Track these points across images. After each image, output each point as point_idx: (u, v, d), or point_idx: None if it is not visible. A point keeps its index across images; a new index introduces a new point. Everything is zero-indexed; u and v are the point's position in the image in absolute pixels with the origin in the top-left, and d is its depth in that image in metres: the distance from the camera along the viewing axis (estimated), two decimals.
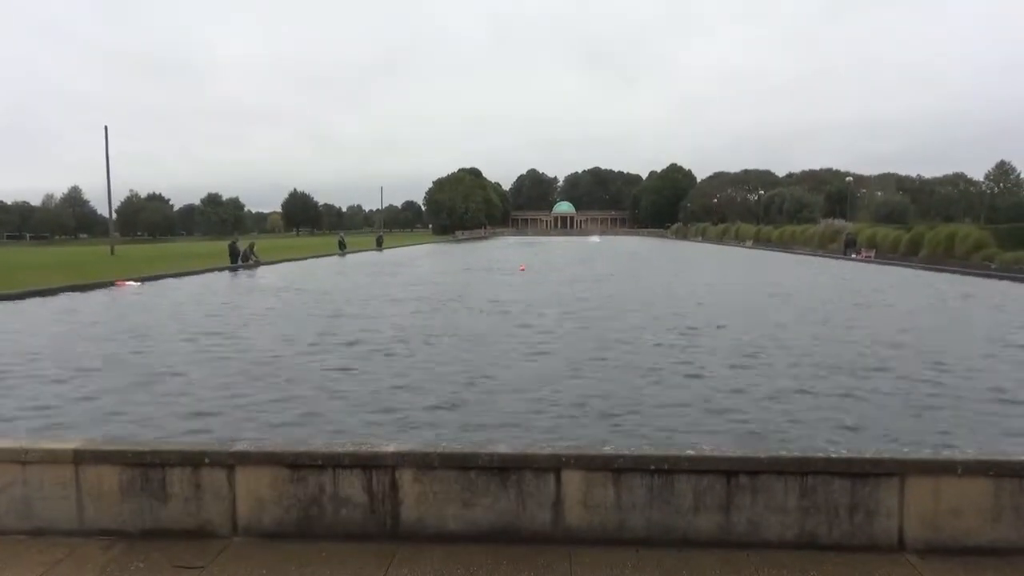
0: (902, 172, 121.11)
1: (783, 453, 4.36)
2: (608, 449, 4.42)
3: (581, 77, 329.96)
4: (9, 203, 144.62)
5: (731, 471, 4.25)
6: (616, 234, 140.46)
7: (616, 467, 4.28)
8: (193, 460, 4.38)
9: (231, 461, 4.37)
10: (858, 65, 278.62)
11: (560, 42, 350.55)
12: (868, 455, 4.31)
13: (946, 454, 4.33)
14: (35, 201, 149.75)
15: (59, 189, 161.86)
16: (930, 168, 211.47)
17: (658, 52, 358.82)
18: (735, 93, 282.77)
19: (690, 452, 4.35)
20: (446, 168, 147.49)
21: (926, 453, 4.40)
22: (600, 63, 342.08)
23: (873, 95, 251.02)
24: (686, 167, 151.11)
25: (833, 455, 4.29)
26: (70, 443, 4.53)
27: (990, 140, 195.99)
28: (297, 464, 4.36)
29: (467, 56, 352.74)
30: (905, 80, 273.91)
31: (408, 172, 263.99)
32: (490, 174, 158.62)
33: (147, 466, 4.40)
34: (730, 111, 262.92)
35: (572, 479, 4.30)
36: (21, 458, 4.41)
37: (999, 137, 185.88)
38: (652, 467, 4.26)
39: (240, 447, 4.47)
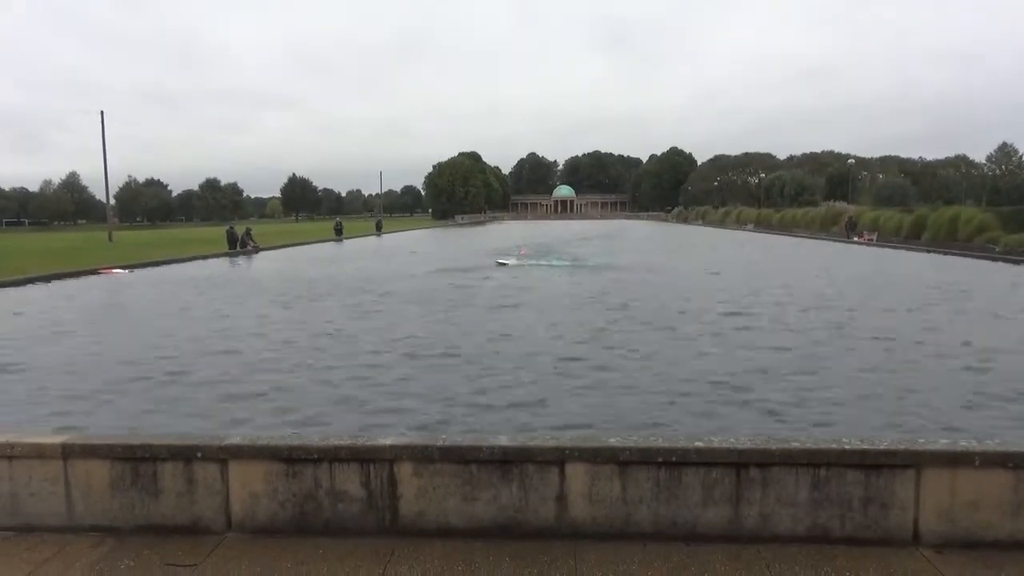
0: (904, 155, 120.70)
1: (795, 444, 4.21)
2: (613, 441, 4.27)
3: (601, 61, 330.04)
4: (7, 189, 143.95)
5: (741, 463, 4.11)
6: (615, 217, 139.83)
7: (622, 460, 4.14)
8: (185, 454, 4.24)
9: (224, 455, 4.23)
10: (866, 50, 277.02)
11: (583, 24, 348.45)
12: (883, 446, 4.16)
13: (963, 445, 4.18)
14: (33, 187, 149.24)
15: (57, 175, 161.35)
16: (932, 150, 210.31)
17: (678, 37, 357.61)
18: (748, 78, 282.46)
19: (698, 444, 4.20)
20: (449, 153, 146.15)
21: (943, 444, 4.25)
22: (622, 48, 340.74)
23: (878, 79, 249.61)
24: (695, 151, 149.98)
25: (847, 446, 4.14)
26: (58, 437, 4.39)
27: (993, 121, 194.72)
28: (292, 458, 4.22)
29: (483, 41, 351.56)
30: (908, 63, 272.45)
31: (409, 157, 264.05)
32: (494, 158, 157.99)
33: (138, 460, 4.26)
34: (742, 96, 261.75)
35: (576, 472, 4.16)
36: (7, 453, 4.28)
37: (1002, 118, 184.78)
38: (659, 459, 4.12)
39: (233, 440, 4.32)
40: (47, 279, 23.39)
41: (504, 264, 28.32)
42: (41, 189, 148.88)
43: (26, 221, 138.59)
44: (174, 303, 17.42)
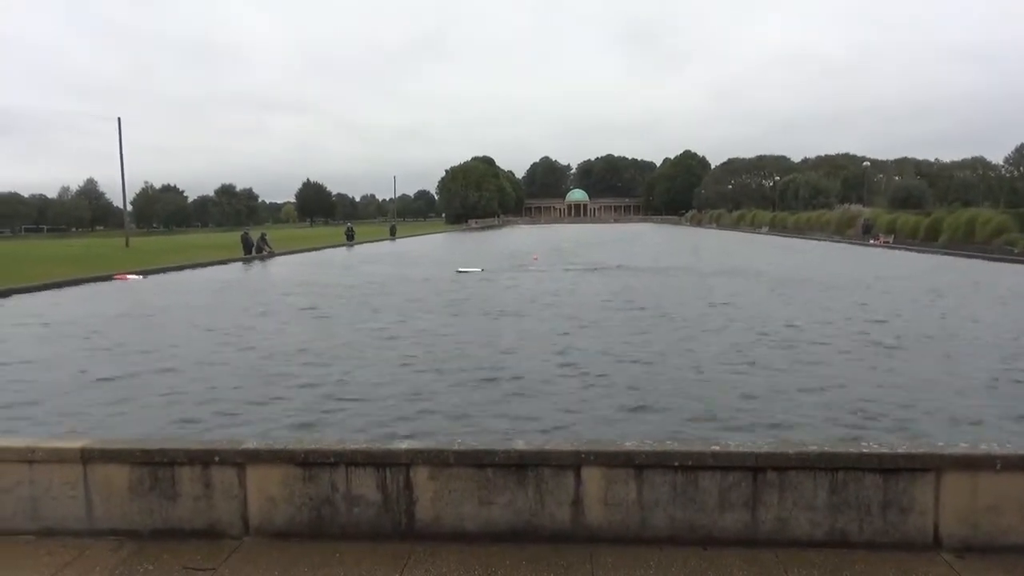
0: (919, 157, 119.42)
1: (812, 448, 4.18)
2: (629, 445, 4.27)
3: (614, 65, 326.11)
4: (26, 196, 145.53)
5: (758, 467, 4.09)
6: (629, 221, 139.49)
7: (638, 463, 4.12)
8: (202, 458, 4.27)
9: (241, 459, 4.26)
10: (880, 52, 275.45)
11: (597, 29, 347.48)
12: (901, 449, 4.13)
13: (983, 448, 4.13)
14: (51, 193, 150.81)
15: (75, 181, 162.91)
16: (948, 152, 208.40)
17: (691, 40, 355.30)
18: (761, 81, 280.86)
19: (715, 448, 4.19)
20: (463, 157, 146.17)
21: (962, 447, 4.20)
22: (635, 51, 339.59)
23: (893, 82, 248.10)
24: (709, 155, 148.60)
25: (865, 449, 4.11)
26: (77, 441, 4.43)
27: (1010, 122, 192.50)
28: (309, 462, 4.24)
29: (497, 45, 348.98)
30: (923, 65, 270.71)
31: (422, 161, 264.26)
32: (508, 162, 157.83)
33: (156, 465, 4.30)
34: (756, 99, 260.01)
35: (592, 476, 4.16)
36: (28, 457, 4.33)
37: (1019, 120, 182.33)
38: (676, 463, 4.11)
39: (250, 445, 4.35)
40: (62, 285, 23.63)
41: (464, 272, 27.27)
42: (59, 195, 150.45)
43: (45, 228, 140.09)
44: (181, 309, 17.53)
